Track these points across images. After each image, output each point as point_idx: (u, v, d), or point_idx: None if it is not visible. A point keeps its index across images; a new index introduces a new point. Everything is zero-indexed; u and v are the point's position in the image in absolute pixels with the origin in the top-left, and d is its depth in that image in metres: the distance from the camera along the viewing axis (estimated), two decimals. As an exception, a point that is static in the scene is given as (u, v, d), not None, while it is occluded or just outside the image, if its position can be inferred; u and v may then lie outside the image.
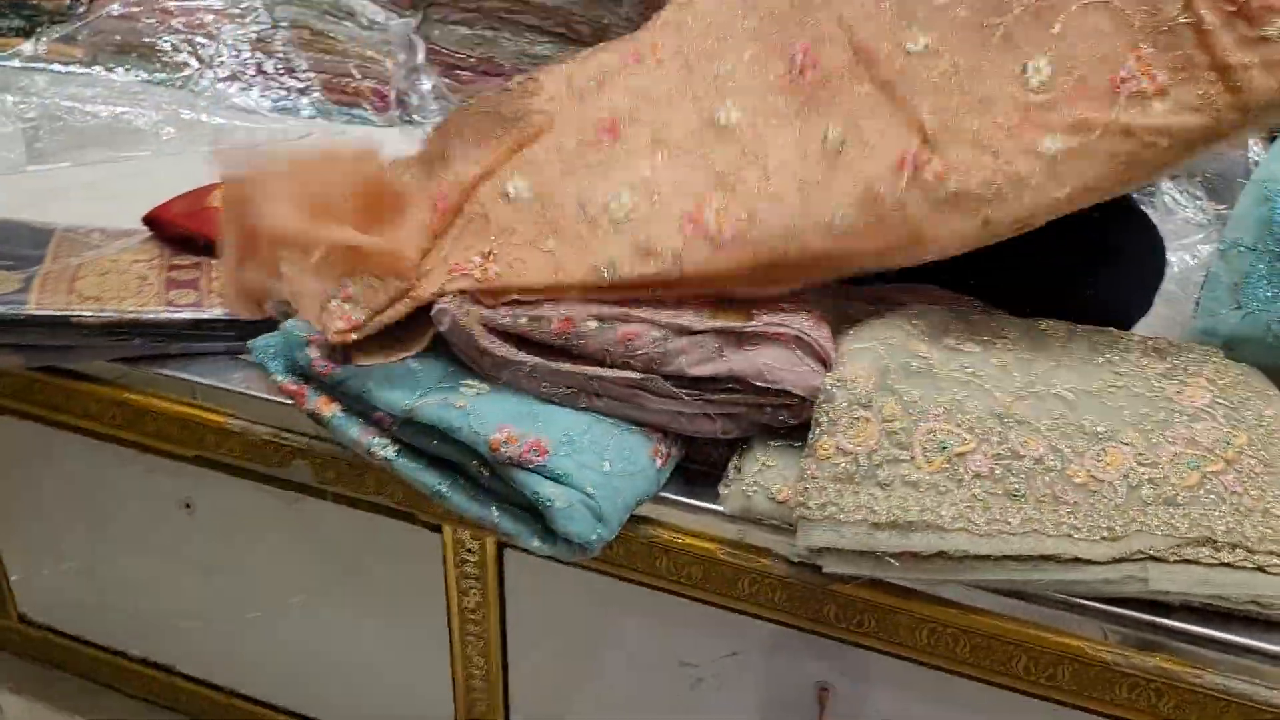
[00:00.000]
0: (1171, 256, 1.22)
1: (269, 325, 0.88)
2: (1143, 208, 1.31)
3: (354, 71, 1.66)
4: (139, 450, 1.03)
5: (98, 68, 1.68)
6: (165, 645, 1.22)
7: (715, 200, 0.82)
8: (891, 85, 0.84)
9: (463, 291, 0.79)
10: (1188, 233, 1.25)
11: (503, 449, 0.74)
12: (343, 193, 0.81)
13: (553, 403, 0.79)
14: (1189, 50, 0.76)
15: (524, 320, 0.77)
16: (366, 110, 1.66)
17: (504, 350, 0.78)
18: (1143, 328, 1.02)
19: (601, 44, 1.02)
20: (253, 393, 0.93)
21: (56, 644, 1.28)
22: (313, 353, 0.79)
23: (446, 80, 1.64)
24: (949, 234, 0.81)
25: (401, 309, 0.78)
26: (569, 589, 0.93)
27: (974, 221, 0.80)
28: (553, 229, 0.83)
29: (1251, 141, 1.24)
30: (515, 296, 0.79)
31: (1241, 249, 1.10)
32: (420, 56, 1.63)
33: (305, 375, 0.82)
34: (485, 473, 0.76)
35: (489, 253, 0.82)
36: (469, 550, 0.94)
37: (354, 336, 0.77)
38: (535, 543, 0.75)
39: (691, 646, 0.92)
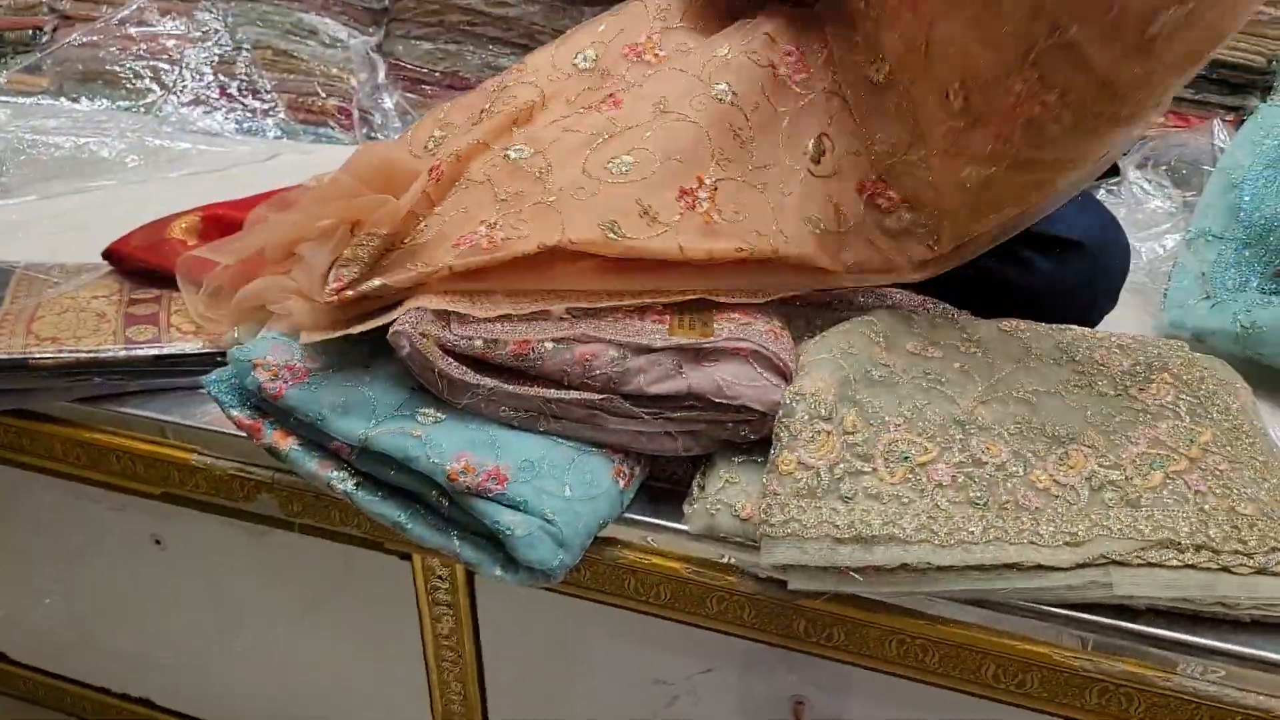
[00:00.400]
0: (1140, 247, 1.22)
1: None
2: (1110, 198, 1.32)
3: (318, 90, 1.65)
4: (106, 489, 1.02)
5: (62, 98, 1.68)
6: (143, 680, 1.21)
7: (710, 176, 0.84)
8: (860, 109, 0.85)
9: (429, 312, 0.78)
10: (1156, 222, 1.25)
11: (460, 478, 0.73)
12: (357, 176, 0.85)
13: (512, 427, 0.79)
14: (1069, 71, 0.74)
15: (479, 343, 0.77)
16: (333, 129, 1.65)
17: (461, 373, 0.77)
18: (1112, 320, 1.01)
19: (577, 28, 1.02)
20: (215, 428, 0.92)
21: (38, 682, 1.27)
22: (260, 375, 0.78)
23: (411, 95, 1.64)
24: (907, 261, 0.85)
25: (397, 277, 0.78)
26: (541, 612, 0.93)
27: (924, 248, 0.83)
28: (556, 187, 0.83)
29: (1217, 128, 1.24)
30: (467, 310, 0.79)
31: (1209, 237, 1.11)
32: (382, 74, 1.62)
33: (260, 407, 0.81)
34: (445, 502, 0.76)
35: (494, 223, 0.82)
36: (440, 577, 0.93)
37: (349, 295, 0.77)
38: (497, 571, 0.75)
39: (665, 664, 0.91)
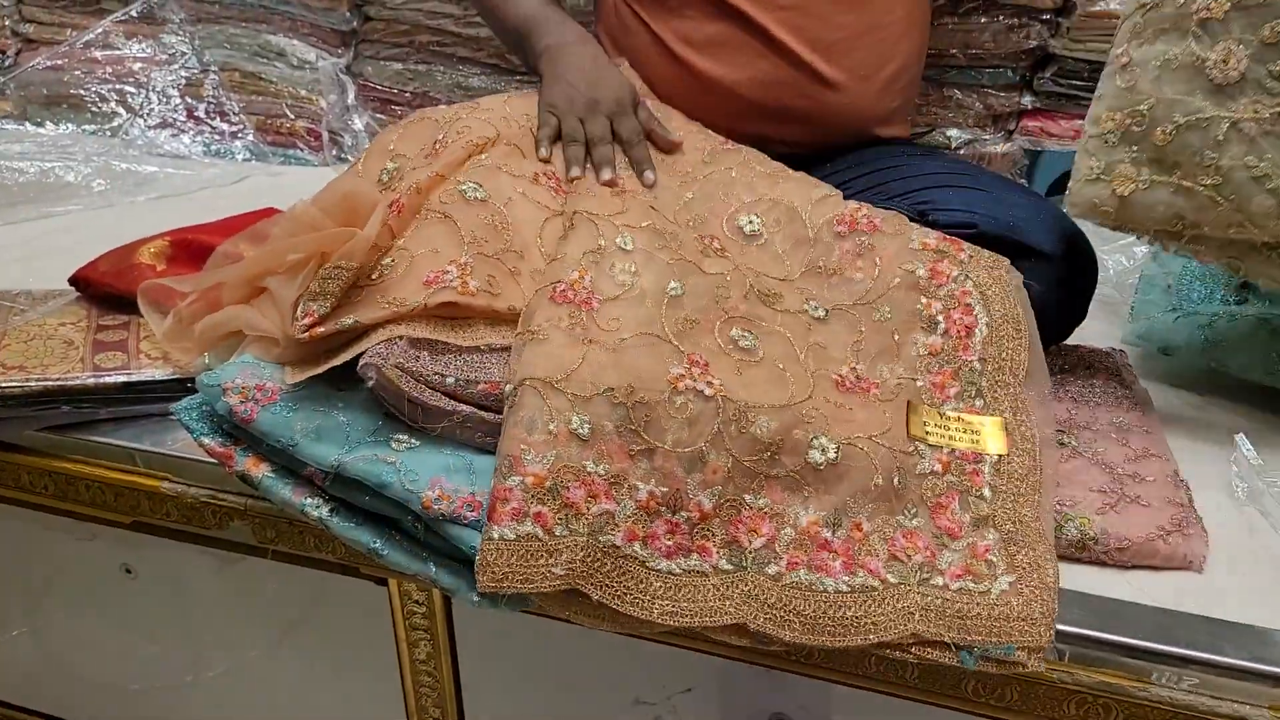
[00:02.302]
0: (1107, 259, 1.24)
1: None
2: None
3: (287, 111, 1.64)
4: (75, 519, 1.00)
5: (26, 123, 1.66)
6: (115, 711, 1.19)
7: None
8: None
9: (397, 338, 0.78)
10: (1122, 235, 1.26)
11: (435, 506, 0.72)
12: (322, 209, 0.85)
13: (487, 452, 0.78)
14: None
15: (451, 380, 0.77)
16: (302, 150, 1.64)
17: (435, 400, 0.77)
18: (1079, 333, 1.03)
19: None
20: (185, 455, 0.91)
21: (8, 717, 1.25)
22: (230, 399, 0.78)
23: (381, 116, 1.63)
24: None
25: (370, 314, 0.78)
26: (520, 635, 0.92)
27: None
28: (518, 250, 0.86)
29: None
30: (445, 338, 0.79)
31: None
32: (351, 95, 1.61)
33: (232, 434, 0.80)
34: (420, 527, 0.75)
35: (465, 264, 0.83)
36: (416, 601, 0.93)
37: (320, 331, 0.77)
38: (475, 597, 0.74)
39: (646, 684, 0.91)
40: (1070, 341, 1.06)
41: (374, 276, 0.82)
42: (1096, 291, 1.00)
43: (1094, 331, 1.08)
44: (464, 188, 0.88)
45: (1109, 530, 0.80)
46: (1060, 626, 0.73)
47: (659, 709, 0.92)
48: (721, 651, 0.83)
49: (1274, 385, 0.97)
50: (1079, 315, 1.00)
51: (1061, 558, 0.78)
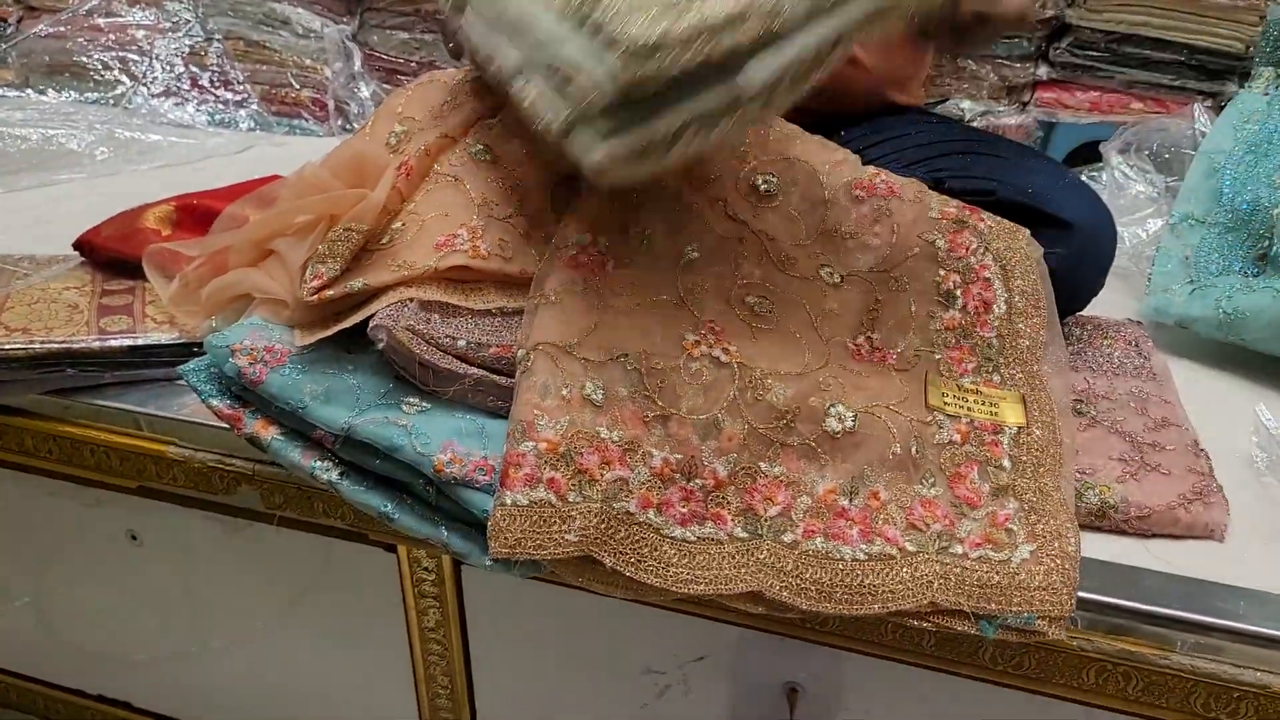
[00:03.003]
0: (1124, 231, 1.22)
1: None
2: (1093, 184, 1.32)
3: (292, 81, 1.63)
4: (80, 484, 0.99)
5: (28, 90, 1.64)
6: (120, 680, 1.19)
7: None
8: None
9: (407, 300, 0.77)
10: (1139, 207, 1.25)
11: (447, 470, 0.71)
12: (331, 171, 0.85)
13: (499, 416, 0.77)
14: None
15: (462, 343, 0.76)
16: (307, 120, 1.63)
17: (447, 363, 0.75)
18: (1096, 304, 1.01)
19: None
20: (193, 419, 0.90)
21: (11, 685, 1.24)
22: (239, 360, 0.76)
23: (387, 85, 1.62)
24: None
25: (379, 277, 0.77)
26: (529, 601, 0.91)
27: None
28: (530, 213, 0.84)
29: (1198, 113, 1.24)
30: (457, 301, 0.78)
31: (1191, 221, 1.11)
32: (357, 63, 1.60)
33: (240, 397, 0.79)
34: (432, 491, 0.74)
35: (476, 228, 0.81)
36: (425, 569, 0.92)
37: (329, 294, 0.76)
38: (488, 561, 0.73)
39: (657, 653, 0.90)
40: (1087, 313, 1.05)
41: (384, 240, 0.81)
42: (1114, 263, 0.99)
43: (1111, 303, 1.07)
44: (474, 150, 0.87)
45: (1129, 498, 0.79)
46: (1080, 594, 0.72)
47: (669, 678, 0.91)
48: (734, 619, 0.83)
49: (1293, 357, 0.97)
50: (1097, 285, 0.99)
51: (1081, 526, 0.76)
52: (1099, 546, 0.77)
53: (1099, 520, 0.79)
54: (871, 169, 0.93)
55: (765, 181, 0.91)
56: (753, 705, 0.89)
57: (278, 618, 1.04)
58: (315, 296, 0.75)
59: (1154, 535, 0.79)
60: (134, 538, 1.03)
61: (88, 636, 1.16)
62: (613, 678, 0.93)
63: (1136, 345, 1.02)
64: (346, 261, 0.77)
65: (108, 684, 1.20)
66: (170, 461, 0.93)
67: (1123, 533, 0.79)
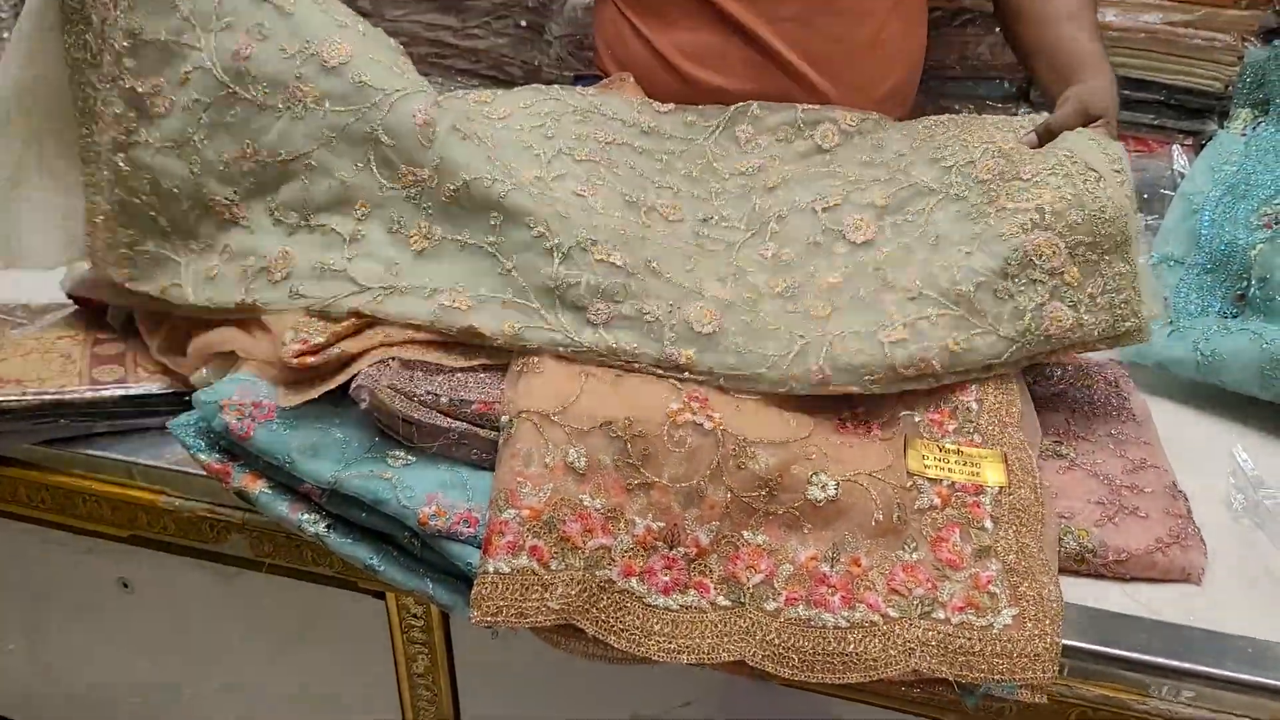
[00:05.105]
0: (1104, 271, 1.23)
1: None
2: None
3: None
4: (72, 533, 1.00)
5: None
6: (113, 727, 1.19)
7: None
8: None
9: (389, 360, 0.78)
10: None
11: (432, 522, 0.73)
12: None
13: (483, 468, 0.78)
14: None
15: (445, 400, 0.77)
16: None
17: (430, 419, 0.77)
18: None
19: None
20: (183, 469, 0.91)
21: (4, 730, 1.25)
22: (227, 416, 0.78)
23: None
24: None
25: (361, 343, 0.79)
26: (518, 649, 0.92)
27: None
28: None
29: (1176, 153, 1.26)
30: (439, 360, 0.79)
31: (1171, 262, 1.12)
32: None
33: (229, 451, 0.80)
34: (417, 543, 0.75)
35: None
36: (414, 615, 0.92)
37: (311, 360, 0.77)
38: (473, 614, 0.74)
39: (645, 699, 0.91)
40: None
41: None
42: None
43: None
44: None
45: (1107, 542, 0.80)
46: (1063, 641, 0.73)
47: (657, 723, 0.92)
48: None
49: (1270, 399, 0.97)
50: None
51: (1060, 570, 0.77)
52: (1078, 591, 0.78)
53: (1078, 564, 0.80)
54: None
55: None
56: (739, 750, 0.90)
57: (268, 664, 1.05)
58: (297, 361, 0.76)
59: (1132, 579, 0.79)
60: (125, 585, 1.04)
61: (79, 682, 1.16)
62: (601, 723, 0.94)
63: (1116, 385, 1.03)
64: (330, 331, 0.78)
65: (100, 729, 1.20)
66: (161, 510, 0.94)
67: (1101, 576, 0.80)
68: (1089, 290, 0.84)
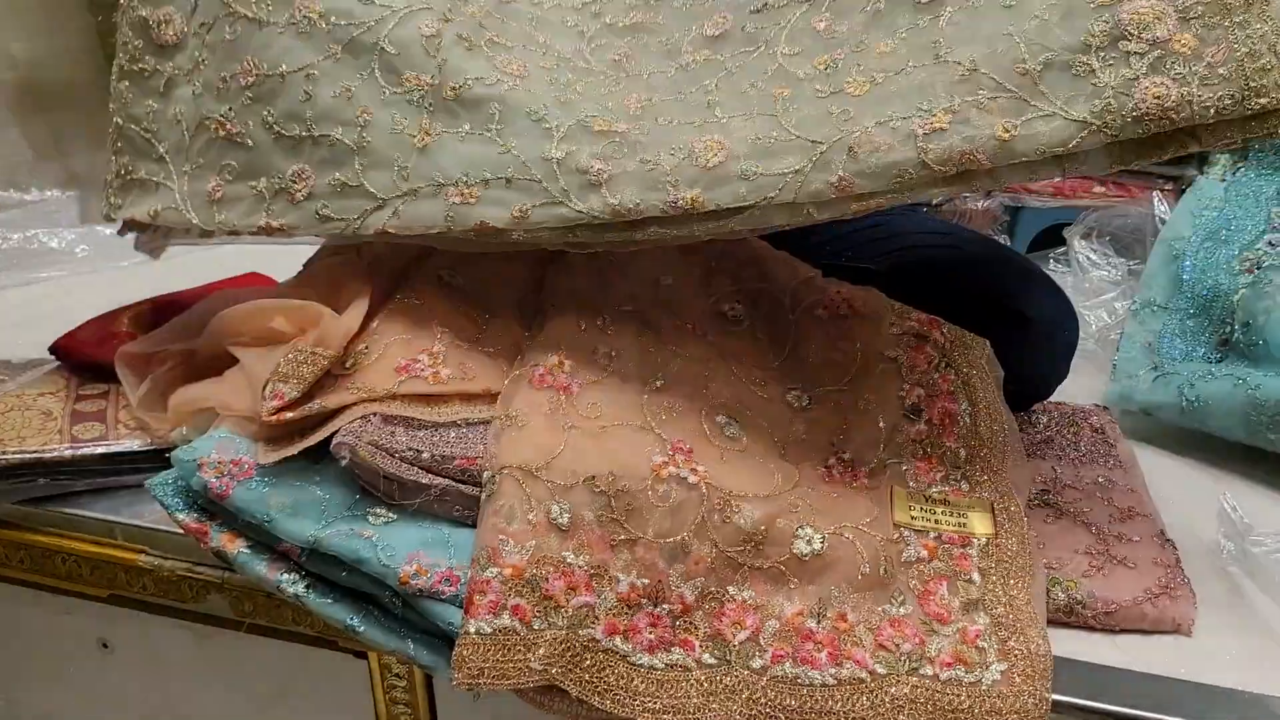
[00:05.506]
0: (1088, 314, 1.24)
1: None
2: (1059, 266, 1.34)
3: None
4: (51, 593, 0.99)
5: (11, 189, 1.66)
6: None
7: None
8: None
9: (370, 415, 0.78)
10: (1103, 290, 1.27)
11: (413, 581, 0.72)
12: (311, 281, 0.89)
13: (466, 524, 0.77)
14: None
15: (426, 456, 0.76)
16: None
17: (412, 476, 0.76)
18: (1062, 389, 1.02)
19: None
20: (163, 527, 0.90)
21: (-20, 794, 1.22)
22: (205, 474, 0.77)
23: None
24: None
25: (340, 399, 0.78)
26: (504, 708, 0.90)
27: None
28: (497, 331, 0.87)
29: (1156, 200, 1.27)
30: (421, 415, 0.79)
31: (1154, 308, 1.13)
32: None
33: (207, 510, 0.80)
34: (399, 603, 0.74)
35: (438, 352, 0.83)
36: (397, 675, 0.91)
37: (289, 416, 0.77)
38: (455, 676, 0.73)
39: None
40: (1054, 398, 1.06)
41: (347, 364, 0.82)
42: (1079, 346, 1.01)
43: (1077, 386, 1.08)
44: (441, 272, 0.89)
45: (1096, 594, 0.79)
46: (1056, 696, 0.72)
47: (645, 782, 0.90)
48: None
49: (1256, 444, 0.97)
50: (1060, 376, 1.00)
51: (1049, 622, 0.77)
52: (1067, 644, 0.77)
53: (1067, 617, 0.79)
54: (833, 285, 0.94)
55: (732, 309, 0.93)
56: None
57: (250, 724, 1.03)
58: (275, 417, 0.76)
59: (1122, 630, 0.79)
60: (105, 645, 1.03)
61: (58, 744, 1.14)
62: (587, 782, 0.92)
63: (1103, 432, 1.03)
64: (308, 384, 0.78)
65: (79, 792, 1.18)
66: (140, 570, 0.92)
67: (1090, 628, 0.79)
68: (1208, 59, 0.65)
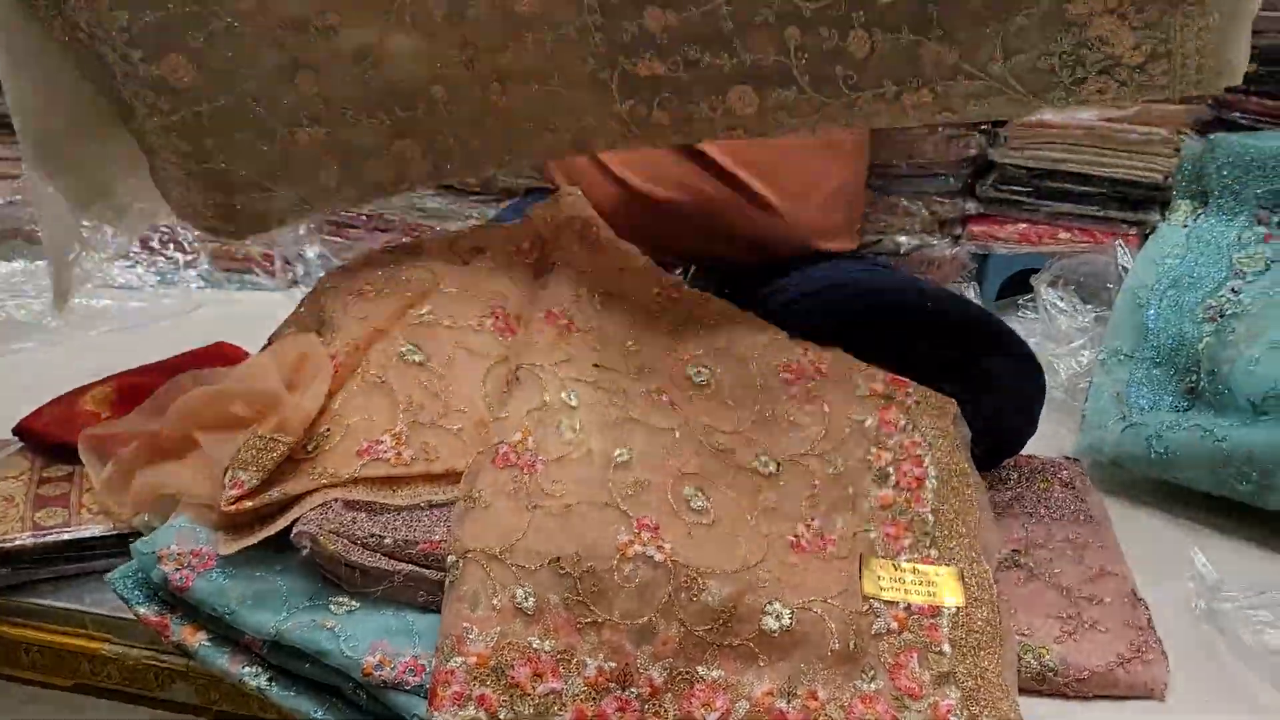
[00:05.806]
0: (1057, 363, 1.25)
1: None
2: (1027, 314, 1.35)
3: (242, 239, 1.64)
4: (14, 682, 0.97)
5: (-19, 260, 1.65)
6: None
7: None
8: None
9: (331, 501, 0.77)
10: (1071, 337, 1.28)
11: (376, 673, 0.71)
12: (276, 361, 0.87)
13: (431, 610, 0.76)
14: None
15: (389, 541, 0.76)
16: (258, 274, 1.64)
17: (374, 562, 0.75)
18: (1034, 438, 1.02)
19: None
20: (127, 615, 0.87)
21: None
22: (165, 567, 0.76)
23: (335, 240, 1.64)
24: None
25: (300, 485, 0.78)
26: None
27: None
28: (460, 407, 0.86)
29: (1119, 248, 1.28)
30: (383, 500, 0.78)
31: (1120, 357, 1.13)
32: (302, 226, 1.62)
33: (168, 601, 0.79)
34: (363, 695, 0.73)
35: (400, 433, 0.81)
36: (367, 759, 0.89)
37: (249, 505, 0.76)
38: (421, 767, 0.72)
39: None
40: (1025, 451, 1.06)
41: (309, 448, 0.81)
42: (1048, 395, 1.01)
43: (1047, 436, 1.07)
44: (402, 349, 0.88)
45: (1068, 660, 0.79)
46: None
47: None
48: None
49: (1224, 495, 0.97)
50: (1028, 433, 1.00)
51: (1021, 690, 0.76)
52: (1039, 709, 0.76)
53: (1038, 684, 0.78)
54: (800, 346, 0.94)
55: (699, 373, 0.93)
56: None
57: (220, 811, 1.01)
58: (234, 506, 0.75)
59: (1095, 697, 0.78)
60: (71, 734, 1.01)
61: (26, 834, 1.11)
62: None
63: (1073, 486, 1.03)
64: (268, 471, 0.77)
65: None
66: (105, 659, 0.91)
67: (1063, 695, 0.78)
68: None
